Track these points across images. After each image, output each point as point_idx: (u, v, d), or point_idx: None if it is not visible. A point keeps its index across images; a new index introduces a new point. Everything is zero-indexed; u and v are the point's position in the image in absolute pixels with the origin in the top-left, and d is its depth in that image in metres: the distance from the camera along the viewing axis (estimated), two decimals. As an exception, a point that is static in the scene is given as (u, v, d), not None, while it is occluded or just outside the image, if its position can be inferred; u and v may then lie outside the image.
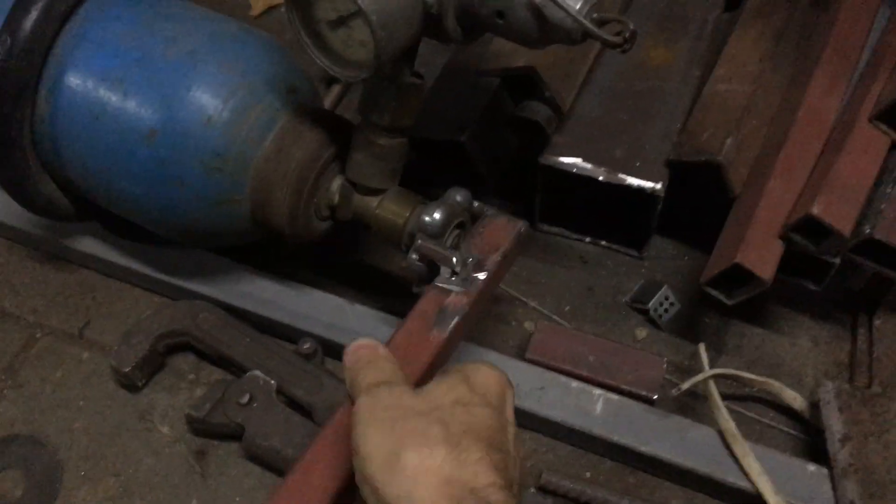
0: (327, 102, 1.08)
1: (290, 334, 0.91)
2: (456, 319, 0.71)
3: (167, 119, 0.76)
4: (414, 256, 0.76)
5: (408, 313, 0.71)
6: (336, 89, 1.10)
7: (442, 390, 0.52)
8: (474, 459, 0.47)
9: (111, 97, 0.77)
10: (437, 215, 0.77)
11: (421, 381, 0.62)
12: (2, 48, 0.74)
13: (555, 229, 1.02)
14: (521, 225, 0.80)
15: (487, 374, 0.54)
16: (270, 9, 1.21)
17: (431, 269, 0.76)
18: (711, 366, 0.86)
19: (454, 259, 0.74)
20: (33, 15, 0.74)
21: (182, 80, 0.76)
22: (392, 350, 0.58)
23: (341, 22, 0.66)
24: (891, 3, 0.99)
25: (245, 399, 0.83)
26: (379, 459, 0.48)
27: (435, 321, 0.70)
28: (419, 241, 0.76)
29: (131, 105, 0.76)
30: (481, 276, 0.74)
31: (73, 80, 0.78)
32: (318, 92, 0.88)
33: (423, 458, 0.47)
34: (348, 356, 0.56)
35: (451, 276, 0.74)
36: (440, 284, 0.73)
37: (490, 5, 0.68)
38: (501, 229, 0.79)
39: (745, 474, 0.80)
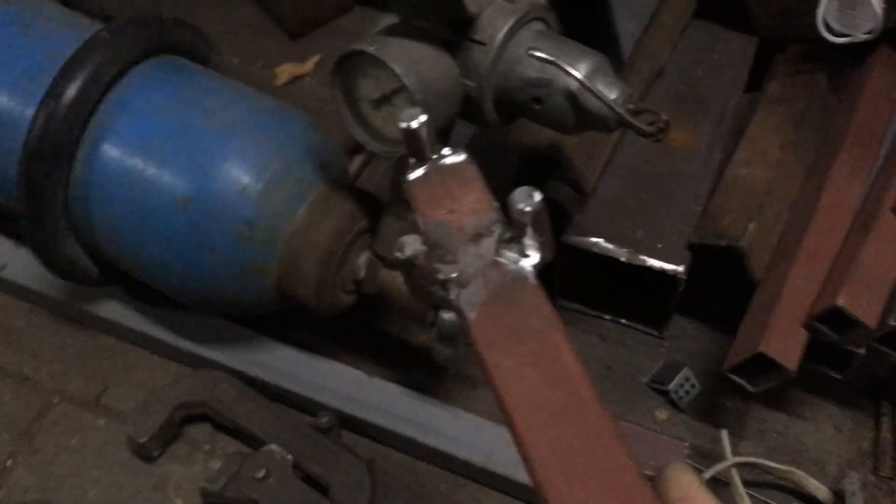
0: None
1: (307, 406, 0.90)
2: None
3: (202, 187, 0.77)
4: (445, 316, 0.74)
5: None
6: (358, 160, 1.10)
7: None
8: None
9: (148, 164, 0.78)
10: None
11: None
12: (45, 112, 0.75)
13: (574, 306, 1.02)
14: None
15: None
16: (295, 79, 1.22)
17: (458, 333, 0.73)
18: (733, 451, 0.85)
19: None
20: (78, 82, 0.76)
21: (219, 151, 0.77)
22: None
23: (384, 100, 0.67)
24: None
25: (261, 474, 0.82)
26: None
27: None
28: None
29: (168, 173, 0.77)
30: None
31: (112, 146, 0.79)
32: (346, 166, 0.89)
33: None
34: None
35: None
36: None
37: (528, 92, 0.69)
38: None
39: (770, 565, 0.79)
